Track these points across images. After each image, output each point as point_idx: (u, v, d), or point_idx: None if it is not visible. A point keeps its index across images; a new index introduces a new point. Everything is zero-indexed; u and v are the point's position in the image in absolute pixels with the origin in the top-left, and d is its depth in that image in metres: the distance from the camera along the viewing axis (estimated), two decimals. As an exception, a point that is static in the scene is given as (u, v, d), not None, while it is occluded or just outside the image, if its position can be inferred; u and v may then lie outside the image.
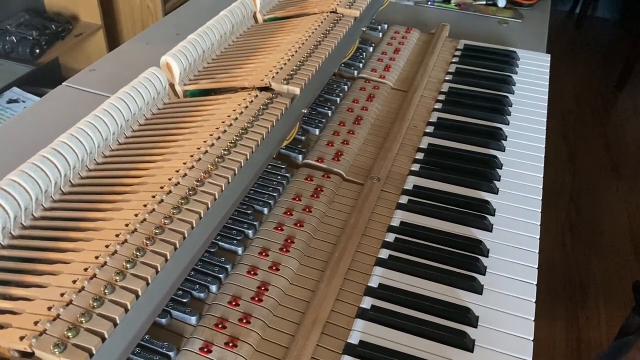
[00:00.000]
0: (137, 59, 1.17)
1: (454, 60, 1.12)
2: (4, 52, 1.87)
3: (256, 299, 0.63)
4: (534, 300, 0.65)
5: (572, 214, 2.20)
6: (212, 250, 0.69)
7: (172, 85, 0.85)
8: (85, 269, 0.51)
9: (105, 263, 0.52)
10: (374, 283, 0.66)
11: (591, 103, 2.86)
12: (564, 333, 1.79)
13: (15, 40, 1.84)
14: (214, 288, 0.64)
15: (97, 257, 0.53)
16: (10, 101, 1.84)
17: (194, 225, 0.57)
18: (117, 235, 0.55)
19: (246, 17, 1.02)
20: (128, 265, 0.52)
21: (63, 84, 1.10)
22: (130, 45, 1.26)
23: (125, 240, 0.54)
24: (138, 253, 0.53)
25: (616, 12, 3.67)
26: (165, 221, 0.57)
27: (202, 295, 0.63)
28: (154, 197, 0.60)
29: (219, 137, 0.69)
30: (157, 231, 0.55)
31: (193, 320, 0.61)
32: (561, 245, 2.07)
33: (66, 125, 0.68)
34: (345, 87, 1.02)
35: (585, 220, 2.18)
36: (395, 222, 0.75)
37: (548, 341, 1.77)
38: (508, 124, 0.95)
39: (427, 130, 0.93)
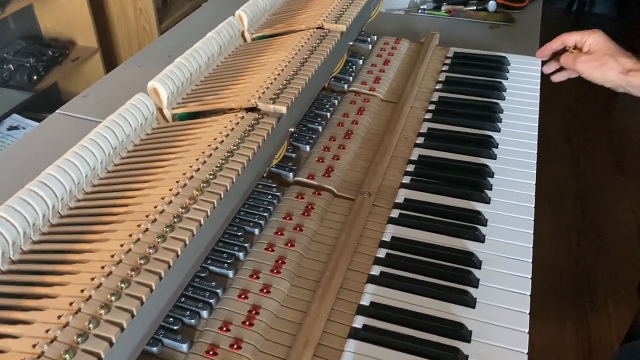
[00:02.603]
0: (129, 83, 1.18)
1: (444, 68, 1.12)
2: (3, 80, 1.90)
3: (247, 323, 0.63)
4: (528, 311, 0.65)
5: (577, 214, 2.19)
6: (202, 275, 0.69)
7: (160, 110, 0.85)
8: (71, 304, 0.51)
9: (90, 297, 0.52)
10: (365, 301, 0.66)
11: (592, 101, 2.84)
12: (574, 335, 1.77)
13: (12, 68, 1.86)
14: (205, 314, 0.64)
15: (82, 291, 0.53)
16: (11, 128, 1.86)
17: (179, 253, 0.57)
18: (102, 267, 0.55)
19: (234, 37, 1.02)
20: (113, 298, 0.52)
21: (56, 112, 1.11)
22: (123, 69, 1.27)
23: (110, 272, 0.54)
24: (123, 285, 0.53)
25: (614, 8, 3.66)
26: (150, 251, 0.56)
27: (193, 321, 0.63)
28: (139, 226, 0.60)
29: (204, 161, 0.69)
30: (142, 261, 0.55)
31: (184, 347, 0.61)
32: (567, 246, 2.06)
33: (59, 155, 0.68)
34: (336, 101, 1.03)
35: (591, 219, 2.16)
36: (386, 237, 0.74)
37: (558, 344, 1.75)
38: (499, 131, 0.94)
39: (417, 142, 0.92)
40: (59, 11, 2.06)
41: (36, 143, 1.00)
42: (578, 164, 2.43)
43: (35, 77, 1.86)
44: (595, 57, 0.97)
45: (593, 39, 0.98)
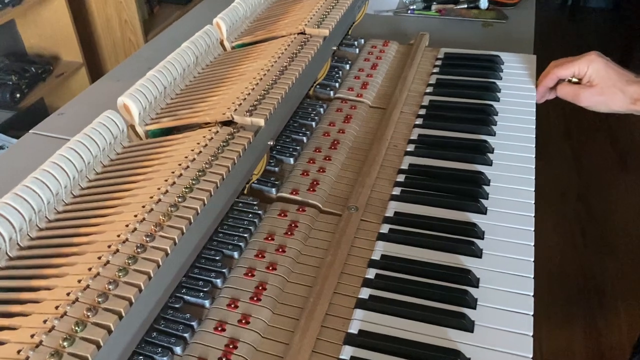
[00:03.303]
0: (107, 99, 1.11)
1: (434, 70, 1.06)
2: (-16, 100, 1.85)
3: (224, 359, 0.57)
4: (531, 334, 0.59)
5: (581, 213, 2.12)
6: (176, 305, 0.63)
7: (132, 127, 0.80)
8: (19, 351, 0.46)
9: (40, 342, 0.47)
10: (354, 329, 0.60)
11: (591, 95, 2.78)
12: (583, 340, 1.71)
13: (-6, 87, 1.82)
14: (178, 350, 0.59)
15: (32, 336, 0.47)
16: (-5, 148, 1.81)
17: (142, 288, 0.52)
18: (56, 308, 0.50)
19: (212, 46, 0.97)
20: (65, 344, 0.46)
21: (30, 131, 1.06)
22: (101, 84, 1.22)
23: (65, 313, 0.49)
24: (77, 328, 0.48)
25: (609, 1, 3.60)
26: (110, 287, 0.51)
27: (165, 359, 0.58)
28: (99, 258, 0.54)
29: (174, 183, 0.64)
30: (100, 299, 0.50)
31: (155, 389, 0.55)
32: (572, 247, 2.00)
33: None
34: (321, 109, 0.97)
35: (596, 218, 2.10)
36: (376, 256, 0.69)
37: (567, 350, 1.69)
38: (494, 135, 0.89)
39: (408, 149, 0.87)
40: (42, 26, 2.02)
41: (5, 166, 0.94)
42: (580, 162, 2.37)
43: (18, 95, 1.81)
44: (600, 91, 0.88)
45: (593, 69, 0.88)
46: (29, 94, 1.88)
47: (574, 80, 0.91)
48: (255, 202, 0.77)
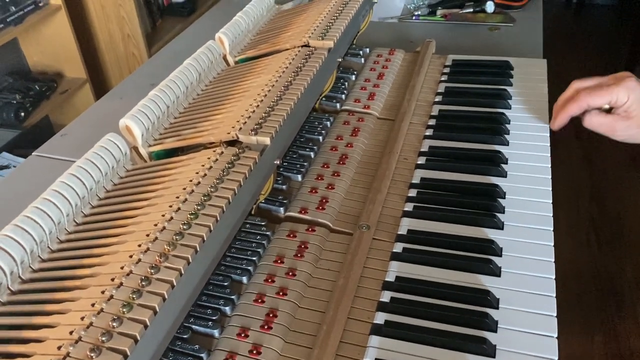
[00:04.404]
0: (110, 118, 1.09)
1: (442, 78, 1.04)
2: (-11, 119, 1.85)
3: (235, 393, 0.55)
4: (557, 358, 0.56)
5: (594, 214, 2.09)
6: (184, 336, 0.61)
7: (135, 149, 0.78)
8: (20, 398, 0.44)
9: (42, 388, 0.45)
10: (370, 358, 0.57)
11: (601, 94, 2.74)
12: (603, 346, 1.67)
13: (-1, 106, 1.81)
14: (187, 384, 0.56)
15: (34, 381, 0.45)
16: (1, 167, 1.80)
17: (148, 324, 0.49)
18: (59, 348, 0.48)
19: (215, 62, 0.95)
20: (68, 388, 0.44)
21: (33, 154, 1.05)
22: (104, 103, 1.20)
23: (68, 354, 0.47)
24: (81, 370, 0.45)
25: (615, -2, 3.57)
26: (114, 324, 0.49)
27: (174, 395, 0.55)
28: (103, 292, 0.52)
29: (178, 209, 0.62)
30: (104, 338, 0.48)
31: None
32: (587, 249, 1.96)
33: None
34: (328, 123, 0.95)
35: (610, 219, 2.06)
36: (390, 277, 0.66)
37: (585, 356, 1.65)
38: (508, 145, 0.86)
39: (418, 162, 0.84)
40: (45, 43, 2.01)
41: (8, 191, 0.93)
42: (591, 162, 2.33)
43: (22, 114, 1.81)
44: None
45: (635, 99, 0.76)
46: (33, 112, 1.87)
47: (605, 107, 0.80)
48: (263, 223, 0.75)
